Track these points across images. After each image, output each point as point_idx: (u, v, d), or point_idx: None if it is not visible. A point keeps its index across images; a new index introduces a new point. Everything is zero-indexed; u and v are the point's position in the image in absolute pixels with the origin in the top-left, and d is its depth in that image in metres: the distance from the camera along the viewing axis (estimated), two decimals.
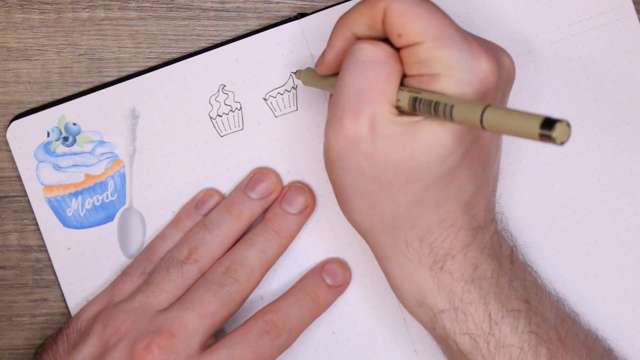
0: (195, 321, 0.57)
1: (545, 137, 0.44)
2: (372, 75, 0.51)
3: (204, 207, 0.61)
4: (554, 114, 0.61)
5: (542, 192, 0.61)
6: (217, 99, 0.61)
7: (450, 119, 0.48)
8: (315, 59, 0.61)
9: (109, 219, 0.62)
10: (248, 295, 0.59)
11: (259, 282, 0.59)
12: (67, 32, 0.62)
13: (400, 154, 0.51)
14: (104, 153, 0.61)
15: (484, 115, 0.46)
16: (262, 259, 0.59)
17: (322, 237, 0.62)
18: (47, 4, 0.62)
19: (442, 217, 0.53)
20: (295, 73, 0.60)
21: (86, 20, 0.62)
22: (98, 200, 0.61)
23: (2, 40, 0.62)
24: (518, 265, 0.56)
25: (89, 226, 0.62)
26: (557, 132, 0.43)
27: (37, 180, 0.61)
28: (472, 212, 0.54)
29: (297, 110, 0.61)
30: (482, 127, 0.46)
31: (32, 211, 0.62)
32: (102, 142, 0.61)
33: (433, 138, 0.51)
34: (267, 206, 0.60)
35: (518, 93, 0.61)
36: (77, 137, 0.61)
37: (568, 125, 0.43)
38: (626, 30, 0.61)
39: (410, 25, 0.50)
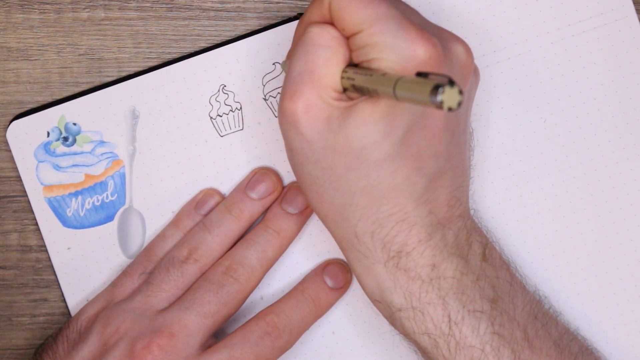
0: (196, 321, 0.57)
1: (436, 103, 0.43)
2: (313, 57, 0.53)
3: (204, 207, 0.61)
4: (553, 114, 0.61)
5: (542, 192, 0.62)
6: (217, 99, 0.61)
7: (376, 92, 0.49)
8: None
9: (109, 218, 0.62)
10: (248, 295, 0.59)
11: (259, 282, 0.59)
12: (67, 32, 0.62)
13: (336, 137, 0.52)
14: (104, 153, 0.61)
15: (397, 84, 0.47)
16: (262, 259, 0.59)
17: (322, 238, 0.62)
18: (47, 4, 0.62)
19: (392, 209, 0.53)
20: (281, 63, 0.60)
21: (86, 20, 0.62)
22: (98, 200, 0.61)
23: (2, 40, 0.62)
24: (492, 263, 0.56)
25: (89, 226, 0.62)
26: (444, 96, 0.43)
27: (37, 180, 0.61)
28: (428, 207, 0.54)
29: None
30: (396, 97, 0.47)
31: (32, 211, 0.62)
32: (102, 142, 0.61)
33: (364, 122, 0.51)
34: (268, 206, 0.60)
35: (518, 93, 0.61)
36: (77, 137, 0.61)
37: (460, 92, 0.43)
38: (626, 31, 0.61)
39: (349, 17, 0.52)
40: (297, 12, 0.61)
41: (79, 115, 0.61)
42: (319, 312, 0.60)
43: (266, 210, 0.61)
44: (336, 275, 0.60)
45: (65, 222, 0.62)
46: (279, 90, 0.61)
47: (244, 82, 0.61)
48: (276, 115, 0.61)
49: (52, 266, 0.62)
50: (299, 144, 0.53)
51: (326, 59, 0.52)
